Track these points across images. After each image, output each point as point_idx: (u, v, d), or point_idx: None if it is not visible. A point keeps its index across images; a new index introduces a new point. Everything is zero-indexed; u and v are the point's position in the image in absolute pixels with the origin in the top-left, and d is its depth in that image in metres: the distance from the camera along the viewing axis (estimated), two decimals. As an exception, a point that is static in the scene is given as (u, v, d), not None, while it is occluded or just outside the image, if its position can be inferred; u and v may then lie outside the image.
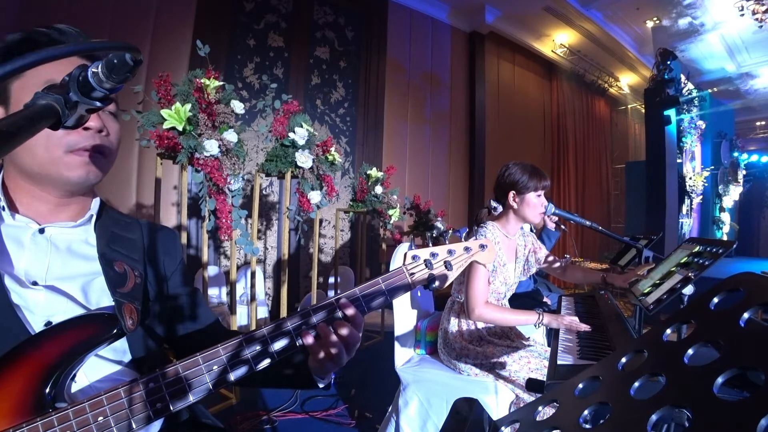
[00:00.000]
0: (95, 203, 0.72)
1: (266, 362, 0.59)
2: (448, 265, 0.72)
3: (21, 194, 0.64)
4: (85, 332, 0.57)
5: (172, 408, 0.55)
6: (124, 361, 0.67)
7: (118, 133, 0.69)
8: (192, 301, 0.82)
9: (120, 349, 0.67)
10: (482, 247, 0.78)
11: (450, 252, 0.74)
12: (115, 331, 0.59)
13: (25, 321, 0.58)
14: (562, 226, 2.44)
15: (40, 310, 0.60)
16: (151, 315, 0.73)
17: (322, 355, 0.63)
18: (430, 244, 0.73)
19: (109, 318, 0.59)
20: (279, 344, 0.60)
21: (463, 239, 0.79)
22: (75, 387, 0.60)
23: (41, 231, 0.64)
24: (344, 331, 0.62)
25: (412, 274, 0.69)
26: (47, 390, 0.53)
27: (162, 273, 0.78)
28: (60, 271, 0.64)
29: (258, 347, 0.59)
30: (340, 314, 0.63)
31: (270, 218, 3.81)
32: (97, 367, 0.63)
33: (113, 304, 0.64)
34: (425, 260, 0.70)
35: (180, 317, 0.79)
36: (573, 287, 4.96)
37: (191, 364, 0.57)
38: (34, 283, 0.61)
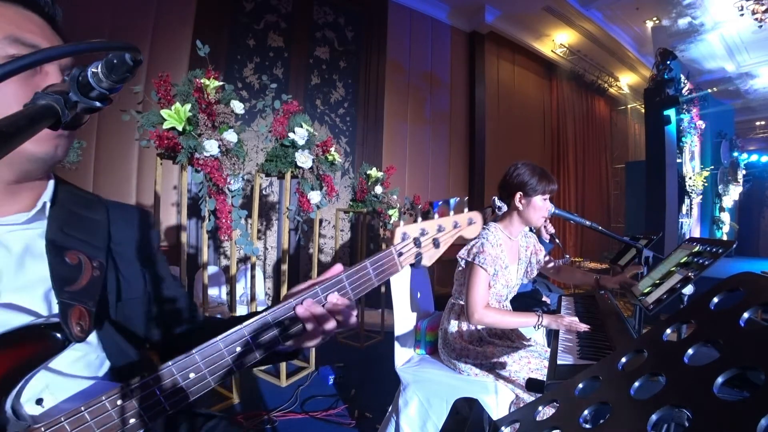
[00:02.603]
0: (50, 186, 0.60)
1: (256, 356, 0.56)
2: (435, 242, 0.70)
3: None
4: (23, 351, 0.47)
5: (168, 409, 0.51)
6: (99, 372, 0.59)
7: None
8: (172, 295, 0.73)
9: (95, 361, 0.59)
10: (470, 221, 0.77)
11: (439, 228, 0.71)
12: (60, 343, 0.49)
13: None
14: (557, 240, 2.44)
15: None
16: (124, 315, 0.64)
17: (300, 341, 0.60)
18: (401, 222, 0.70)
19: (48, 329, 0.49)
20: (265, 337, 0.57)
21: (452, 212, 0.78)
22: (39, 410, 0.52)
23: None
24: (330, 325, 0.58)
25: (401, 254, 0.66)
26: None
27: (133, 263, 0.67)
28: (16, 280, 0.52)
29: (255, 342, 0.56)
30: (324, 301, 0.59)
31: (270, 218, 3.81)
32: (67, 386, 0.54)
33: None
34: (414, 239, 0.68)
35: (158, 315, 0.71)
36: (573, 287, 4.96)
37: (187, 363, 0.52)
38: None
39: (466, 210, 0.78)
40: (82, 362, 0.57)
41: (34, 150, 0.52)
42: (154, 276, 0.70)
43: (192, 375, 0.53)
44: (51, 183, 0.60)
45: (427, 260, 0.70)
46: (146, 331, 0.69)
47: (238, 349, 0.55)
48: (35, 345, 0.49)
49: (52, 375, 0.54)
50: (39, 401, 0.52)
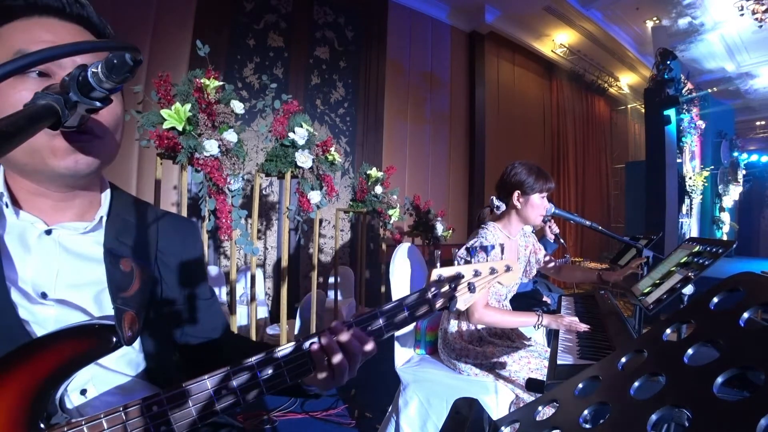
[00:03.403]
0: (105, 198, 0.63)
1: (274, 381, 0.56)
2: (471, 287, 0.69)
3: (19, 191, 0.57)
4: (79, 346, 0.51)
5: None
6: (138, 371, 0.62)
7: (116, 109, 0.58)
8: (207, 306, 0.75)
9: (135, 360, 0.62)
10: (508, 268, 0.75)
11: (476, 273, 0.70)
12: (112, 344, 0.53)
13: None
14: (561, 240, 2.44)
15: (52, 326, 0.54)
16: (166, 320, 0.67)
17: (320, 376, 0.59)
18: (438, 264, 0.69)
19: (104, 329, 0.53)
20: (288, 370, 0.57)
21: (473, 261, 0.76)
22: (82, 400, 0.56)
23: (48, 232, 0.57)
24: (349, 361, 0.58)
25: (435, 296, 0.66)
26: (38, 407, 0.48)
27: (178, 272, 0.70)
28: (71, 278, 0.57)
29: (269, 371, 0.56)
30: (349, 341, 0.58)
31: (270, 218, 3.81)
32: (109, 380, 0.59)
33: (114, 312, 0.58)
34: (450, 283, 0.67)
35: (192, 324, 0.73)
36: (573, 287, 4.96)
37: (198, 388, 0.53)
38: (44, 295, 0.55)
39: (504, 256, 0.77)
40: (124, 360, 0.61)
41: (57, 165, 0.53)
42: (192, 287, 0.73)
43: (224, 391, 0.53)
44: (107, 197, 0.64)
45: (462, 304, 0.69)
46: (179, 338, 0.72)
47: (270, 371, 0.55)
48: (91, 342, 0.52)
49: (97, 368, 0.58)
50: (83, 392, 0.56)
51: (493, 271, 0.73)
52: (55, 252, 0.57)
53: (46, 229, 0.57)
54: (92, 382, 0.57)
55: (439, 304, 0.66)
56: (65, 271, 0.57)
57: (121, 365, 0.61)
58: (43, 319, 0.54)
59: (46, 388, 0.49)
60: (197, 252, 0.75)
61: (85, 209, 0.61)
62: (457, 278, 0.68)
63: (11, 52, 0.51)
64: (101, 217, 0.62)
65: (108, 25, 0.61)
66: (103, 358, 0.56)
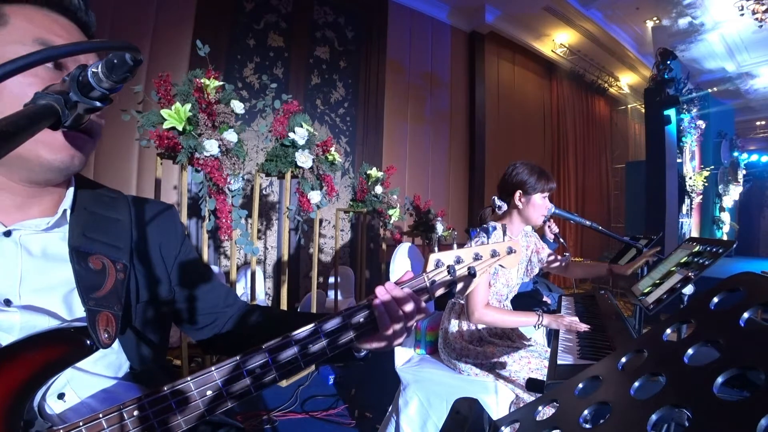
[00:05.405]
0: (69, 191, 0.60)
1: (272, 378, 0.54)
2: (471, 270, 0.65)
3: None
4: (51, 352, 0.48)
5: None
6: (121, 373, 0.60)
7: (104, 116, 0.59)
8: (207, 288, 0.70)
9: (115, 362, 0.59)
10: (510, 250, 0.71)
11: (476, 256, 0.66)
12: (86, 347, 0.50)
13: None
14: (561, 240, 2.45)
15: (18, 333, 0.51)
16: (144, 317, 0.63)
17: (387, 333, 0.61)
18: (436, 248, 0.68)
19: (76, 333, 0.50)
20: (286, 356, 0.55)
21: (473, 243, 0.73)
22: (64, 406, 0.53)
23: (7, 234, 0.53)
24: (407, 309, 0.60)
25: (433, 282, 0.62)
26: (14, 417, 0.46)
27: (160, 263, 0.66)
28: (37, 282, 0.53)
29: (264, 366, 0.53)
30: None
31: (270, 218, 3.81)
32: (88, 383, 0.56)
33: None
34: (448, 266, 0.64)
35: (192, 316, 0.69)
36: (573, 287, 4.96)
37: (181, 390, 0.50)
38: (7, 302, 0.51)
39: (506, 238, 0.73)
40: (103, 362, 0.58)
41: (51, 159, 0.52)
42: (182, 273, 0.68)
43: (209, 392, 0.50)
44: (71, 189, 0.60)
45: (462, 289, 0.65)
46: (188, 332, 0.69)
47: (286, 354, 0.54)
48: (64, 348, 0.50)
49: (74, 371, 0.55)
50: (61, 396, 0.53)
51: (494, 253, 0.69)
52: (16, 255, 0.53)
53: (4, 230, 0.53)
54: (70, 386, 0.54)
55: (438, 290, 0.63)
56: (30, 274, 0.53)
57: (101, 368, 0.58)
58: (8, 327, 0.51)
59: (20, 398, 0.46)
60: (178, 234, 0.70)
61: (50, 206, 0.58)
62: (456, 263, 0.64)
63: (29, 36, 0.51)
64: (64, 210, 0.58)
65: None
66: (82, 361, 0.54)
